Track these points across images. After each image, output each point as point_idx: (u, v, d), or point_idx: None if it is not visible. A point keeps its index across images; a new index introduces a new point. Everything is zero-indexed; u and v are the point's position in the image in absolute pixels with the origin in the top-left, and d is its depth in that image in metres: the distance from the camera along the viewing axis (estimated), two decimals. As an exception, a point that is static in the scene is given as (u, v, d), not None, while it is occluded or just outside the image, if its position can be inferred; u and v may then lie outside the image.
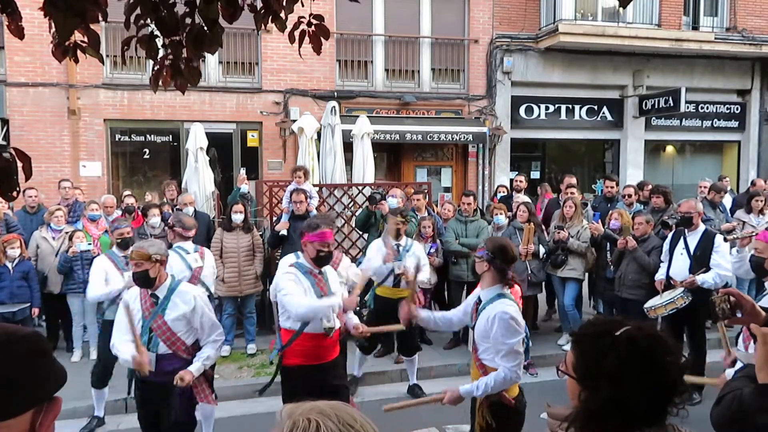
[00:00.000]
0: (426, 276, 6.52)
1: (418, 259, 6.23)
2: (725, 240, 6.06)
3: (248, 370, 7.08)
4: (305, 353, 4.31)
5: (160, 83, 3.04)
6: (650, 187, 8.54)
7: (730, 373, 3.40)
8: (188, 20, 2.82)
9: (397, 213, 6.51)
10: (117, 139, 12.16)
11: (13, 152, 2.04)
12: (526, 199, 8.99)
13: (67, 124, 11.59)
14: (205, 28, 2.80)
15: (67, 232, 7.40)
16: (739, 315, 2.24)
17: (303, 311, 4.14)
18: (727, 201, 9.35)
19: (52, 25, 2.39)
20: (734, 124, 15.32)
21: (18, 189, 2.10)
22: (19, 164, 2.06)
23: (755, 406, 1.82)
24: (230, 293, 7.47)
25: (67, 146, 11.61)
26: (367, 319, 6.35)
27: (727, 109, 15.25)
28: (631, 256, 6.76)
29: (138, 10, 2.76)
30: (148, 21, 2.83)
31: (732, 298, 2.24)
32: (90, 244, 7.26)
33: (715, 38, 13.88)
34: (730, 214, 8.84)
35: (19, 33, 2.44)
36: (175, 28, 2.78)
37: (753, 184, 10.66)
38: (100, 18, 2.57)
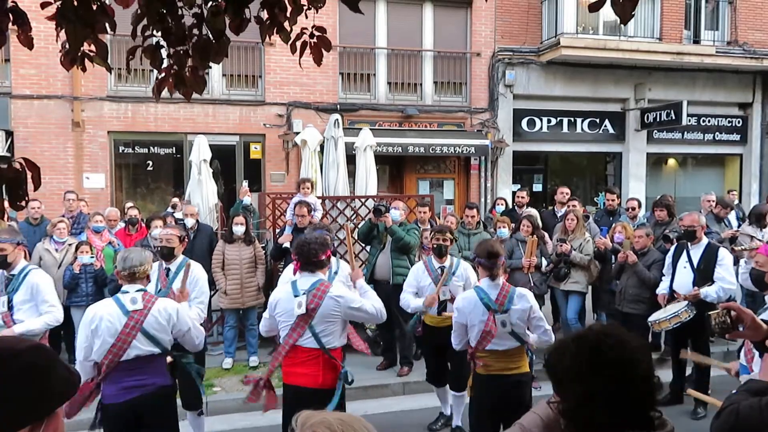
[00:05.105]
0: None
1: (466, 279, 5.50)
2: (733, 252, 6.02)
3: (250, 382, 7.03)
4: None
5: (165, 90, 3.06)
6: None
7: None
8: (195, 31, 2.85)
9: (442, 231, 5.70)
10: (120, 151, 12.21)
11: (23, 162, 2.05)
12: (533, 211, 8.96)
13: (71, 136, 11.64)
14: (212, 39, 2.82)
15: (70, 244, 7.39)
16: (741, 329, 2.25)
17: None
18: (732, 216, 9.18)
19: (62, 35, 2.42)
20: (736, 137, 15.34)
21: (27, 199, 2.11)
22: (28, 174, 2.07)
23: (762, 419, 1.83)
24: (232, 305, 7.46)
25: (71, 158, 11.66)
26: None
27: (729, 122, 15.28)
28: (631, 270, 6.73)
29: (145, 21, 2.78)
30: (155, 31, 2.85)
31: (733, 313, 2.25)
32: (93, 257, 7.25)
33: (716, 52, 13.95)
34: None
35: (29, 43, 2.47)
36: (182, 38, 2.80)
37: None
38: (108, 29, 2.59)
